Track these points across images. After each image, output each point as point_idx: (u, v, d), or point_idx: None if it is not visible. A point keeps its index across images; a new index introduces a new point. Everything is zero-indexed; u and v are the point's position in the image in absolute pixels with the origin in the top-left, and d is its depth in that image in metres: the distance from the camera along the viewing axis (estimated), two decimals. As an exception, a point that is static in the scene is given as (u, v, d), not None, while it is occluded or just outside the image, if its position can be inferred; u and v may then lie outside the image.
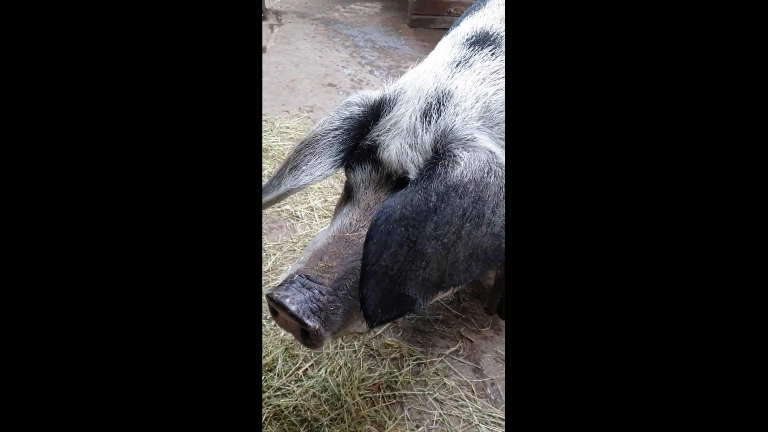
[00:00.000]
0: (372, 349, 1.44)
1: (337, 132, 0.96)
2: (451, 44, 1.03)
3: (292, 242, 1.77)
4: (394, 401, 1.30)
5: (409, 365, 1.39)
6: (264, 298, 0.92)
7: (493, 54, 0.96)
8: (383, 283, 0.77)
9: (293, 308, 0.79)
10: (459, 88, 0.90)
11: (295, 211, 1.92)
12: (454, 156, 0.82)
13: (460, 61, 0.95)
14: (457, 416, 1.28)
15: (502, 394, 1.35)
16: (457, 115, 0.86)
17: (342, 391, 1.29)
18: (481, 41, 0.99)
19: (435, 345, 1.48)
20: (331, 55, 3.42)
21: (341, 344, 1.43)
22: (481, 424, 1.26)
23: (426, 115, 0.87)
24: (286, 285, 0.83)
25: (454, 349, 1.47)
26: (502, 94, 0.90)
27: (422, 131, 0.87)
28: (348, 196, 0.98)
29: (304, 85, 2.93)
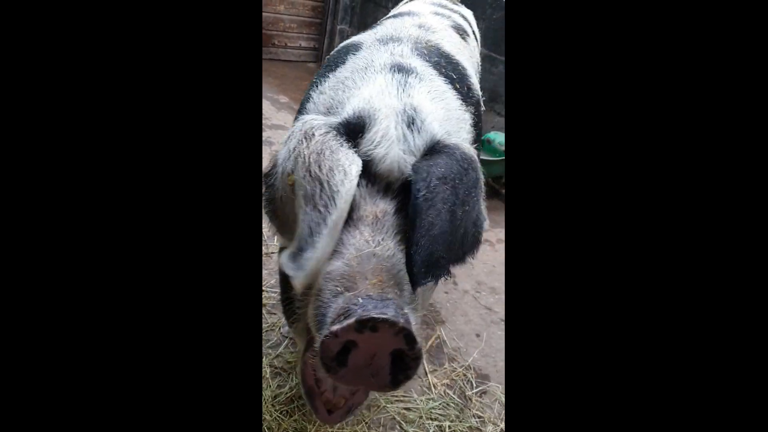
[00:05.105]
0: (276, 368, 1.56)
1: (337, 136, 0.90)
2: (373, 73, 1.07)
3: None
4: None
5: (313, 373, 1.56)
6: (333, 331, 0.72)
7: (417, 78, 1.05)
8: (438, 242, 0.79)
9: (392, 317, 0.71)
10: (420, 103, 0.98)
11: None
12: (454, 143, 0.92)
13: (400, 83, 1.03)
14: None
15: (395, 373, 1.62)
16: (432, 122, 0.97)
17: (259, 413, 1.39)
18: (402, 70, 1.06)
19: (331, 349, 1.67)
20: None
21: (246, 372, 1.52)
22: (381, 399, 1.50)
23: (409, 124, 0.94)
24: (363, 305, 0.73)
25: (348, 348, 1.68)
26: (442, 109, 1.05)
27: (412, 138, 0.93)
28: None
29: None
